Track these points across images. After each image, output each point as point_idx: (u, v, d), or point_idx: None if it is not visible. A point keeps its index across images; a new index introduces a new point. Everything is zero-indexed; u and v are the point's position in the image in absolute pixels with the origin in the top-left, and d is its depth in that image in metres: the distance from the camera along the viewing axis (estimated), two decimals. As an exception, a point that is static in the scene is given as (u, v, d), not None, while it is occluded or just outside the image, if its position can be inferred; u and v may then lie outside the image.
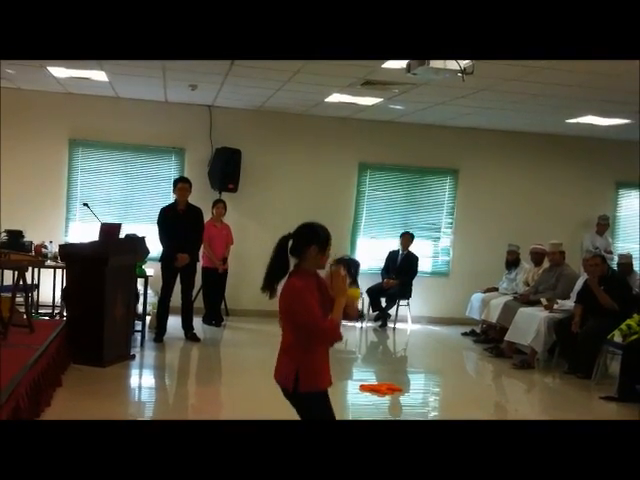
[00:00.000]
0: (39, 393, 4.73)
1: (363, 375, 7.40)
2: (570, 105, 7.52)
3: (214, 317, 8.66)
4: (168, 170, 9.20)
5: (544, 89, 6.65)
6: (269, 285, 3.24)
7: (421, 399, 6.70)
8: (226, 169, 8.91)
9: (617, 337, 6.69)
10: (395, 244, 9.70)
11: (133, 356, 6.64)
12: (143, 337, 7.39)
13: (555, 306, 7.69)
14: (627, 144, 9.92)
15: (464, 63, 4.07)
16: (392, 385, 6.39)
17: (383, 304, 9.51)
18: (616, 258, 8.78)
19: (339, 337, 3.22)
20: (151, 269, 7.74)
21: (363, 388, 6.28)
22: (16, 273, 5.50)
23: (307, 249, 3.23)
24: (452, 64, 4.00)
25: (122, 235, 7.12)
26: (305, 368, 3.23)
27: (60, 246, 6.56)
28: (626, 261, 8.01)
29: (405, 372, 7.69)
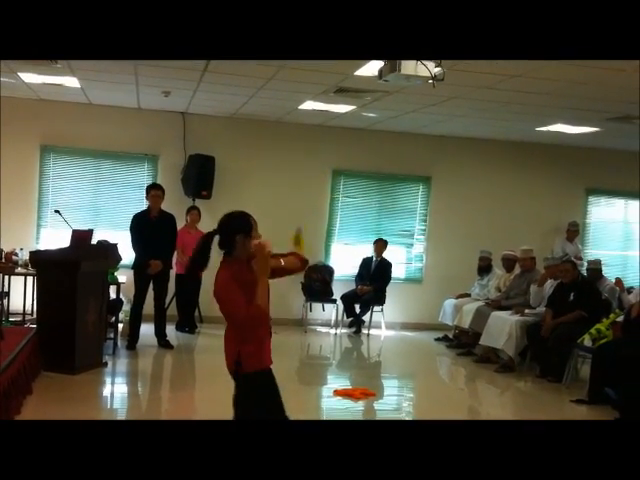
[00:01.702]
0: (8, 400, 4.68)
1: (337, 381, 7.41)
2: (540, 113, 7.65)
3: (188, 324, 8.62)
4: (141, 177, 9.16)
5: (514, 97, 6.76)
6: (191, 274, 3.55)
7: (395, 403, 6.75)
8: (200, 176, 8.90)
9: (587, 341, 6.78)
10: (369, 250, 9.75)
11: (105, 363, 6.58)
12: (115, 344, 7.33)
13: (526, 310, 7.79)
14: (597, 152, 10.13)
15: (435, 70, 4.13)
16: (366, 390, 6.41)
17: (357, 310, 9.55)
18: (585, 264, 8.92)
19: (266, 319, 3.31)
20: (124, 276, 7.69)
21: (337, 393, 6.29)
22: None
23: (233, 240, 3.28)
24: (423, 70, 4.06)
25: (94, 242, 7.06)
26: (245, 350, 3.30)
27: (31, 252, 6.49)
28: (595, 267, 8.13)
29: (379, 377, 7.74)
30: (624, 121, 7.66)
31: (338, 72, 6.09)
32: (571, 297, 7.36)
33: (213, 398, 5.94)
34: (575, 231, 10.06)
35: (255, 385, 3.37)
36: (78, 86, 7.58)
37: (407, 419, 6.11)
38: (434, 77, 4.10)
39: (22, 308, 7.72)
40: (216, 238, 3.37)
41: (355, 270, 9.72)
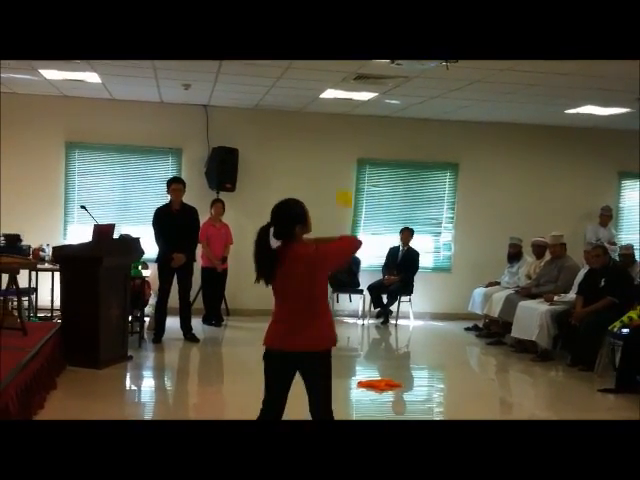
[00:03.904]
0: (30, 395, 4.71)
1: (366, 372, 7.33)
2: (567, 95, 7.44)
3: (214, 317, 8.63)
4: (165, 171, 9.17)
5: (537, 79, 6.58)
6: (263, 275, 3.39)
7: (424, 394, 6.63)
8: (223, 168, 8.89)
9: (618, 329, 6.60)
10: (396, 240, 9.64)
11: (130, 357, 6.61)
12: (142, 338, 7.37)
13: (555, 298, 7.60)
14: (630, 134, 9.80)
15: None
16: (391, 381, 6.32)
17: (384, 301, 9.45)
18: (618, 250, 8.68)
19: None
20: (149, 270, 7.72)
21: (361, 384, 6.22)
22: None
23: (292, 231, 3.36)
24: (435, 53, 3.94)
25: (116, 236, 7.09)
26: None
27: (53, 248, 6.55)
28: (627, 252, 7.91)
29: (408, 368, 7.64)
30: (656, 100, 7.41)
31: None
32: (602, 283, 7.15)
33: (240, 391, 5.93)
34: (608, 216, 9.80)
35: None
36: (99, 81, 7.61)
37: (437, 411, 6.02)
38: (447, 60, 3.98)
39: (50, 304, 7.81)
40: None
41: (382, 260, 9.62)
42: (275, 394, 3.50)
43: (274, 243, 3.37)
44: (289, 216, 3.38)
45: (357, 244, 3.61)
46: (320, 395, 3.46)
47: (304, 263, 3.37)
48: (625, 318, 6.61)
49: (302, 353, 3.42)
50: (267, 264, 3.37)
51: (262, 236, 3.37)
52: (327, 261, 3.44)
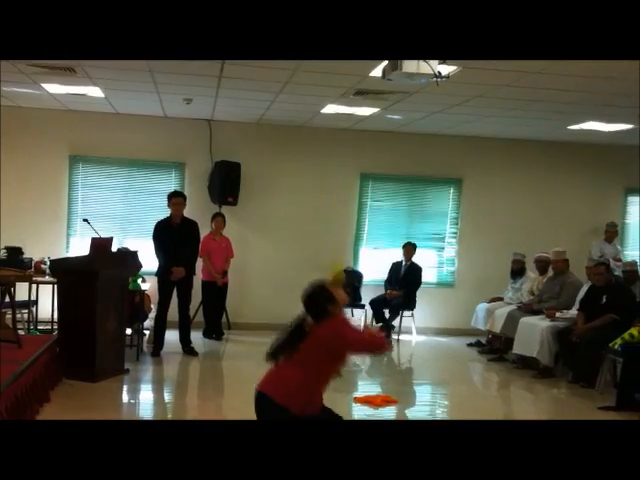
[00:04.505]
0: (22, 408, 4.71)
1: (368, 388, 7.26)
2: (568, 111, 7.40)
3: (215, 331, 8.62)
4: (168, 185, 9.20)
5: (537, 94, 6.55)
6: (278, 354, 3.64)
7: (421, 411, 6.56)
8: (225, 182, 8.90)
9: (619, 346, 6.52)
10: (399, 255, 9.60)
11: (127, 370, 6.61)
12: (140, 351, 7.37)
13: (557, 314, 7.54)
14: (635, 150, 9.74)
15: (438, 68, 4.01)
16: (388, 397, 6.29)
17: (387, 315, 9.41)
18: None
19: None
20: (148, 284, 7.73)
21: (357, 400, 6.18)
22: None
23: (327, 312, 3.60)
24: (425, 68, 3.94)
25: (114, 249, 7.11)
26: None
27: (51, 261, 6.56)
28: (631, 269, 7.83)
29: (410, 384, 7.60)
30: (658, 116, 7.36)
31: (353, 74, 6.00)
32: (603, 300, 7.09)
33: (238, 406, 5.87)
34: (614, 232, 9.72)
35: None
36: (102, 95, 7.66)
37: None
38: (437, 75, 3.97)
39: (50, 316, 7.83)
40: None
41: (384, 275, 9.58)
42: None
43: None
44: (319, 302, 3.62)
45: (378, 349, 3.81)
46: None
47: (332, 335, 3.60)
48: (626, 335, 6.54)
49: None
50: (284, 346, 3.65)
51: (299, 325, 3.63)
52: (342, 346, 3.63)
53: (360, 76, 6.08)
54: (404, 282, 9.36)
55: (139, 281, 7.46)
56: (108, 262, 6.38)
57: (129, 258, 6.75)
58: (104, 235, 7.45)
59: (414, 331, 9.45)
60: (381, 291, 9.41)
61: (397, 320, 9.39)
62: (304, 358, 3.58)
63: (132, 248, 7.32)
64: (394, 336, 9.36)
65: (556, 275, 8.14)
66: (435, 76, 3.98)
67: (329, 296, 3.65)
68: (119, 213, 9.22)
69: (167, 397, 6.43)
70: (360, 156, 9.65)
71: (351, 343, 3.65)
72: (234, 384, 6.91)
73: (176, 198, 7.43)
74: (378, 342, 3.70)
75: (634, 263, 7.99)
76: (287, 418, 3.53)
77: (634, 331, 6.52)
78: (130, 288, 6.94)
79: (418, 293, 9.41)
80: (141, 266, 6.86)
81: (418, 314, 9.48)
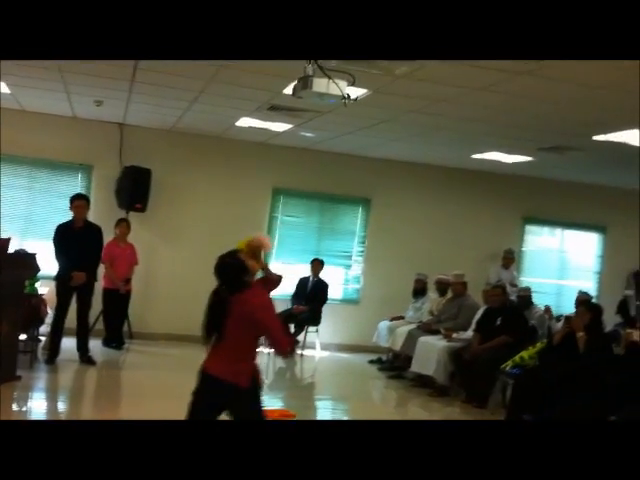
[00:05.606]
0: None
1: (269, 402, 7.25)
2: (473, 140, 7.73)
3: (115, 340, 8.41)
4: (74, 187, 8.93)
5: (445, 123, 6.81)
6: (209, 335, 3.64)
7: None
8: (134, 188, 8.75)
9: (510, 368, 6.82)
10: (306, 270, 9.70)
11: (19, 377, 6.35)
12: (34, 358, 7.11)
13: (454, 335, 7.81)
14: (533, 180, 10.30)
15: (347, 90, 4.12)
16: (285, 411, 6.32)
17: (292, 330, 9.46)
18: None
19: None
20: (46, 288, 7.48)
21: (255, 414, 6.17)
22: None
23: (242, 282, 3.58)
24: (335, 89, 4.04)
25: (11, 251, 6.84)
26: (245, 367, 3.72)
27: (-59, 260, 6.25)
28: (525, 294, 8.22)
29: (310, 399, 7.65)
30: (556, 151, 7.78)
31: (267, 89, 6.07)
32: (498, 322, 7.40)
33: (136, 417, 5.75)
34: (511, 258, 10.15)
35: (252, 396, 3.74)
36: (8, 91, 7.39)
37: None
38: (346, 97, 4.09)
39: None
40: None
41: (291, 290, 9.64)
42: None
43: None
44: (231, 271, 3.61)
45: (282, 347, 3.85)
46: None
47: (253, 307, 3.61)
48: (517, 358, 6.84)
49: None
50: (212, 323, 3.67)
51: (217, 297, 3.63)
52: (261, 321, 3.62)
53: (274, 92, 6.15)
54: (310, 297, 9.45)
55: (37, 285, 7.21)
56: (4, 264, 6.13)
57: (26, 260, 6.51)
58: (4, 235, 7.17)
59: (318, 346, 9.55)
60: (288, 306, 9.46)
61: (302, 335, 9.46)
62: (234, 332, 3.57)
63: (31, 250, 7.05)
64: (298, 351, 9.42)
65: (455, 297, 8.45)
66: (343, 97, 4.08)
67: (241, 265, 3.60)
68: (19, 213, 8.88)
69: (60, 407, 6.23)
70: (273, 171, 9.71)
71: (273, 315, 3.69)
72: (132, 395, 6.77)
73: (78, 201, 7.25)
74: (286, 337, 3.85)
75: (528, 289, 8.39)
76: (238, 395, 3.58)
77: (525, 354, 6.83)
78: (26, 291, 6.69)
79: (324, 309, 9.52)
80: (39, 269, 6.63)
81: (323, 330, 9.58)
